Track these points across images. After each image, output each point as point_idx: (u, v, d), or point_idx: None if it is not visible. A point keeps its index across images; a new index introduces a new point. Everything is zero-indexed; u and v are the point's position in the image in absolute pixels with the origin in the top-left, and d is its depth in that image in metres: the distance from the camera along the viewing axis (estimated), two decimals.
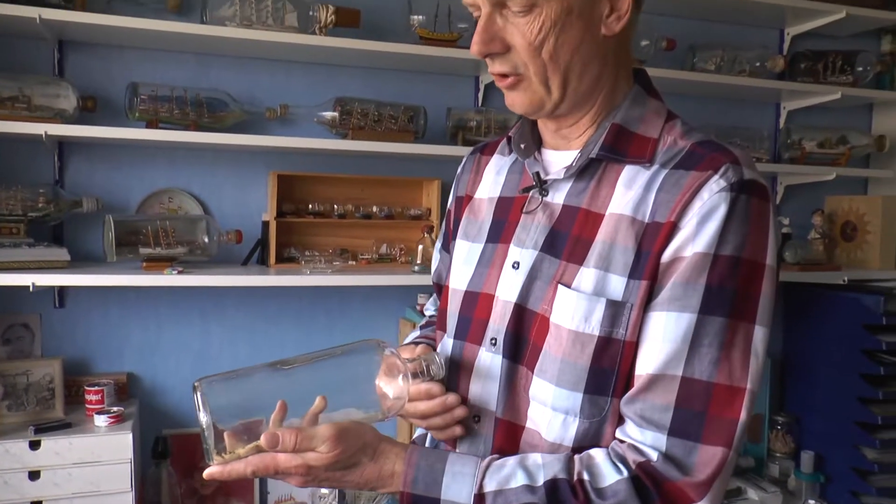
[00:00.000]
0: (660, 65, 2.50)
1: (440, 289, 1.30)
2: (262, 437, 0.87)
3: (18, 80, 1.96)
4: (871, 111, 3.04)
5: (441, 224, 1.36)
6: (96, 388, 2.05)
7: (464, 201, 1.20)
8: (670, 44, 2.54)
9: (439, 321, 1.18)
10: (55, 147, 2.11)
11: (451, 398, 1.03)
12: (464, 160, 1.26)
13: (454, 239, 1.20)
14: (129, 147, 2.18)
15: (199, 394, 0.88)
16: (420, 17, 2.27)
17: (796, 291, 2.73)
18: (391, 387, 0.98)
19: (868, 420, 2.43)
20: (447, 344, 1.11)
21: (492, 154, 1.21)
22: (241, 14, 2.09)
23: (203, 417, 0.87)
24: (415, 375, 1.01)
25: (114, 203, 2.17)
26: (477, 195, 1.18)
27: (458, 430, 1.04)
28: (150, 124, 2.04)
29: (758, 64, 2.67)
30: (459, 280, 1.12)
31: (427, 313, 1.40)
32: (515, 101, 0.99)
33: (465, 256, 1.13)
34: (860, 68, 2.75)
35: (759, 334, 0.89)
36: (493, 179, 1.16)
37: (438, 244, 1.32)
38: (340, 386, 0.96)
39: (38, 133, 1.87)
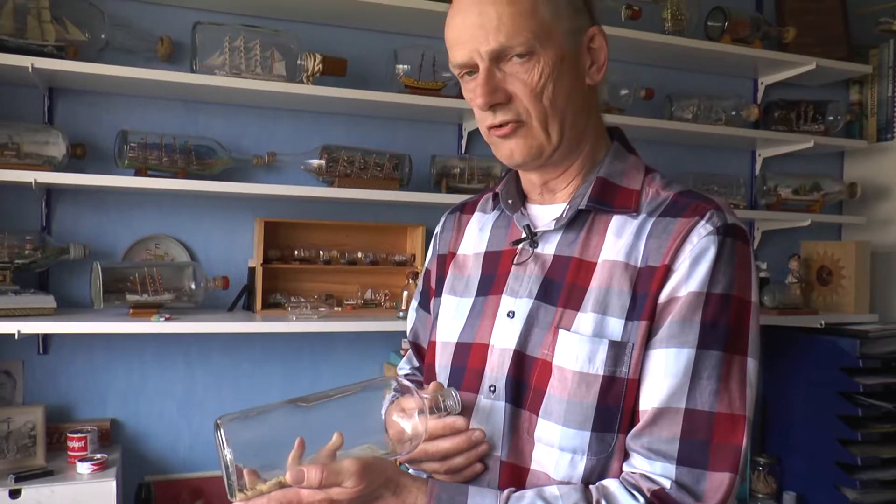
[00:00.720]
0: (639, 113, 2.57)
1: (416, 347, 1.32)
2: (288, 473, 0.88)
3: (8, 127, 1.98)
4: (842, 158, 3.13)
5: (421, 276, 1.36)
6: (79, 434, 2.03)
7: (447, 258, 1.23)
8: (649, 93, 2.61)
9: (427, 375, 1.19)
10: (43, 194, 2.12)
11: (478, 433, 1.02)
12: (442, 220, 1.29)
13: (438, 295, 1.22)
14: (117, 193, 2.20)
15: (221, 431, 0.89)
16: (405, 66, 2.33)
17: (775, 335, 2.77)
18: (408, 423, 0.98)
19: (848, 461, 2.47)
20: None
21: (472, 212, 1.24)
22: (231, 63, 2.13)
23: (227, 455, 0.88)
24: (430, 411, 1.01)
25: (101, 249, 2.18)
26: (461, 251, 1.21)
27: (478, 467, 1.04)
28: (140, 171, 2.06)
29: (733, 113, 2.75)
30: (449, 333, 1.14)
31: (401, 372, 1.38)
32: (515, 150, 1.03)
33: (455, 311, 1.15)
34: (831, 117, 2.85)
35: (752, 366, 0.95)
36: (476, 236, 1.20)
37: (415, 302, 1.33)
38: (357, 423, 0.97)
39: (27, 181, 1.88)
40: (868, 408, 2.47)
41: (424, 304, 1.29)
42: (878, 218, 2.96)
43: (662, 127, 2.58)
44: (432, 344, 1.18)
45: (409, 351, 1.36)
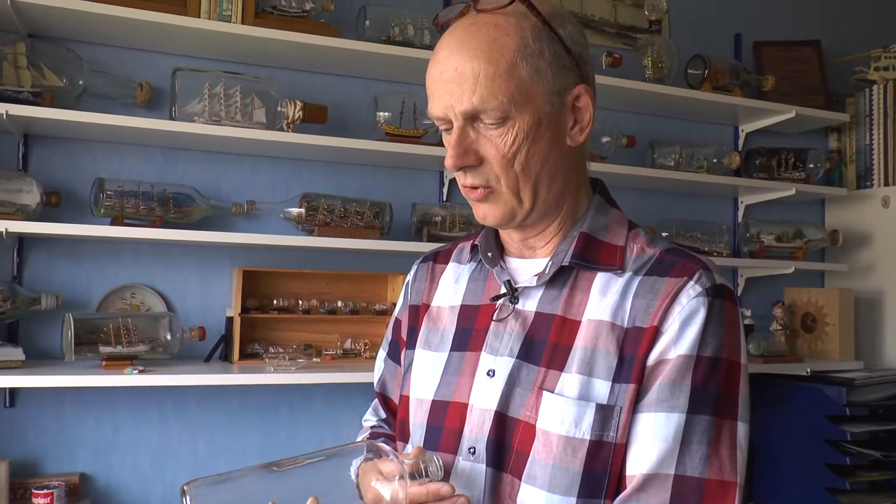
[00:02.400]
0: (621, 161, 2.57)
1: (384, 398, 1.27)
2: None
3: None
4: (823, 205, 3.15)
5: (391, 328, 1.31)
6: (45, 490, 1.95)
7: (420, 310, 1.18)
8: (631, 140, 2.62)
9: (400, 431, 1.15)
10: (15, 242, 2.07)
11: (462, 500, 0.96)
12: (414, 269, 1.24)
13: (410, 348, 1.17)
14: (92, 242, 2.15)
15: (187, 498, 0.85)
16: (386, 113, 2.32)
17: (760, 382, 2.75)
18: (387, 489, 0.95)
19: None
20: None
21: (446, 262, 1.20)
22: (210, 109, 2.10)
23: None
24: (412, 476, 0.97)
25: (74, 299, 2.13)
26: (434, 303, 1.17)
27: None
28: (116, 220, 2.02)
29: (715, 160, 2.77)
30: (424, 390, 1.10)
31: (366, 424, 1.33)
32: (487, 214, 1.00)
33: (429, 366, 1.11)
34: (811, 165, 2.88)
35: (742, 430, 0.93)
36: (451, 287, 1.15)
37: (383, 353, 1.28)
38: (333, 488, 0.94)
39: None
40: (856, 456, 2.44)
41: (394, 356, 1.25)
42: (860, 265, 2.97)
43: (645, 175, 2.57)
44: (405, 399, 1.14)
45: (376, 401, 1.31)
